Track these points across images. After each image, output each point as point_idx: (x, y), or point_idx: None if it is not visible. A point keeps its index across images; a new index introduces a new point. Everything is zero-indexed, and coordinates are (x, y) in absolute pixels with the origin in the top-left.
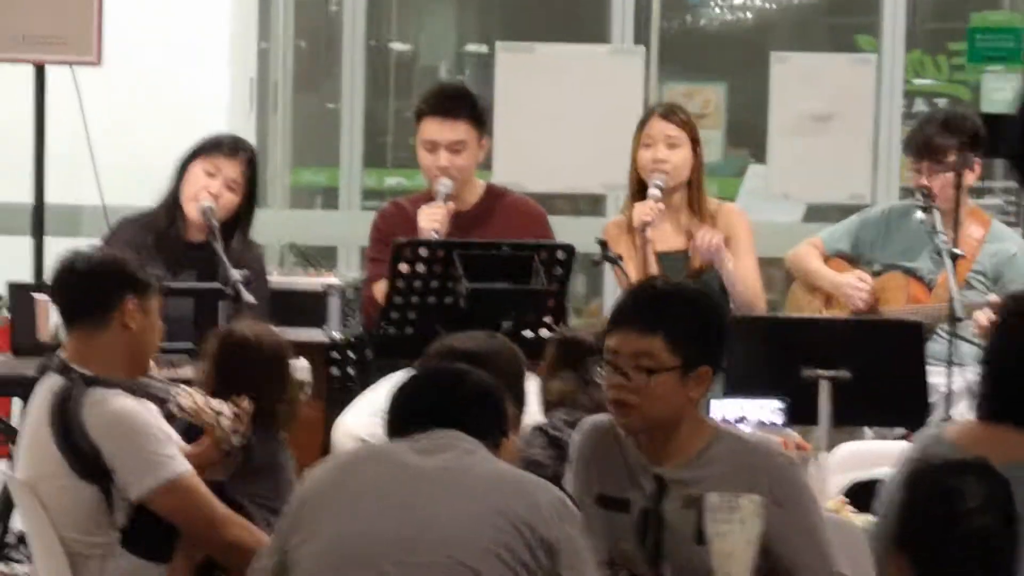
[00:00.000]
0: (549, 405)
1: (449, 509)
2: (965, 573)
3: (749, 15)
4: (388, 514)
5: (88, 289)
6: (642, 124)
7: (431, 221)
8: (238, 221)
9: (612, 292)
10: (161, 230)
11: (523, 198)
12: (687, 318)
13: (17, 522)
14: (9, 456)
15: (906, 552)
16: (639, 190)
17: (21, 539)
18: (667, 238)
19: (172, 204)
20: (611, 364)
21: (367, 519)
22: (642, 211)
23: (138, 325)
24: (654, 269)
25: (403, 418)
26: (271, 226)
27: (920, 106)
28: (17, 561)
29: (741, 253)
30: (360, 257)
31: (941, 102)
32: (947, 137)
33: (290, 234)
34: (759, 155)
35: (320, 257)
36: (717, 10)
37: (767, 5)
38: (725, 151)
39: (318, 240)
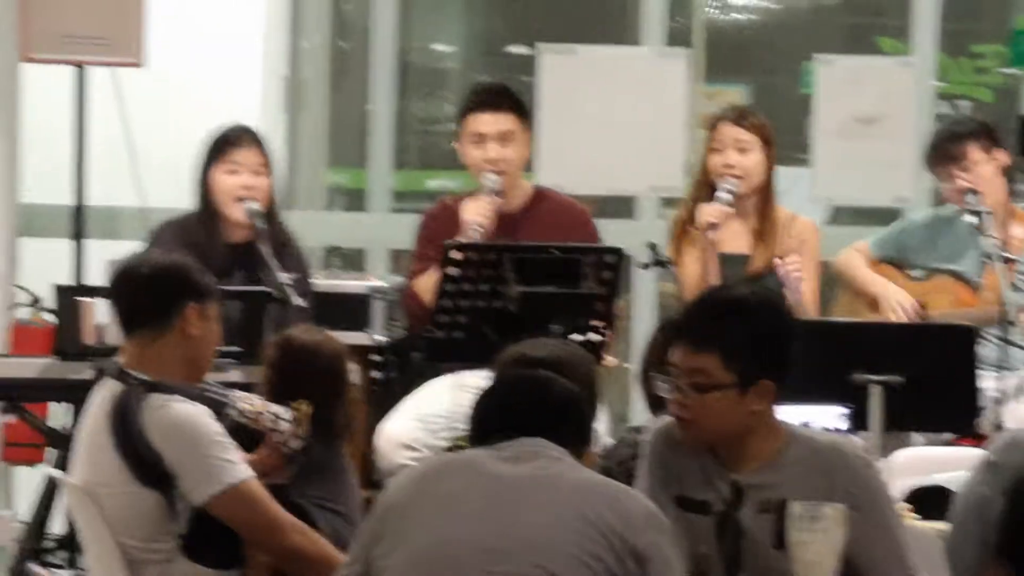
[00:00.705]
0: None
1: (537, 517)
2: None
3: (769, 16)
4: (476, 522)
5: (150, 295)
6: (712, 128)
7: (476, 215)
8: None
9: (643, 292)
10: (201, 239)
11: (569, 200)
12: (744, 333)
13: (56, 526)
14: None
15: (1009, 562)
16: (707, 194)
17: (60, 543)
18: (732, 239)
19: (205, 210)
20: (670, 376)
21: (455, 527)
22: (709, 212)
23: (199, 332)
24: (715, 271)
25: (487, 427)
26: (301, 227)
27: (944, 108)
28: (57, 566)
29: (808, 273)
30: (390, 260)
31: (964, 105)
32: (957, 139)
33: (317, 236)
34: (782, 158)
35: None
36: (735, 13)
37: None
38: None
39: (347, 242)
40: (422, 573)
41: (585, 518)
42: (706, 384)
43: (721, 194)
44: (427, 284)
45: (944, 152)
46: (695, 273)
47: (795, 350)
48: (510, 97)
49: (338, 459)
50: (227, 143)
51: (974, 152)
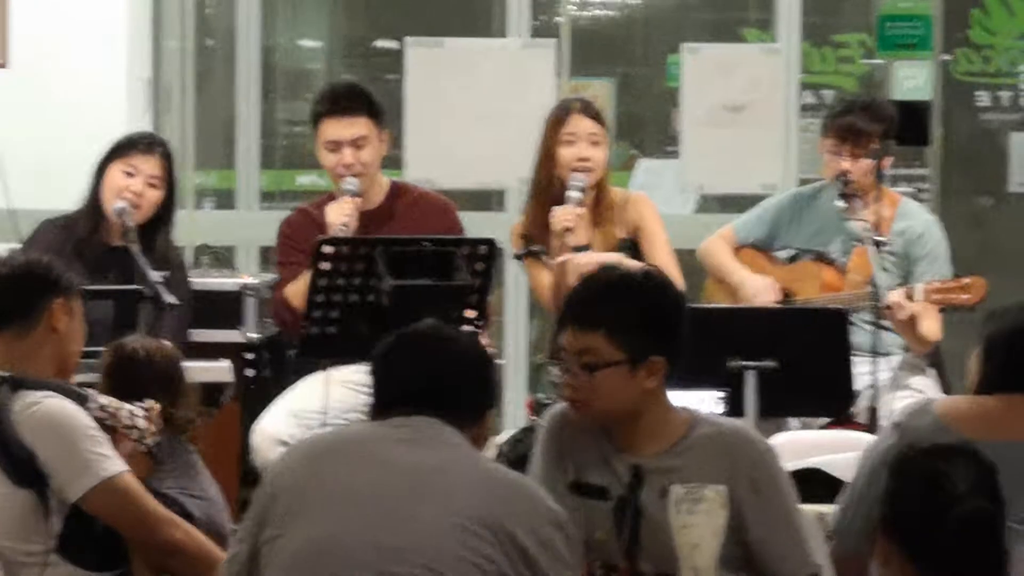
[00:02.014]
0: None
1: (429, 515)
2: (957, 557)
3: (633, 11)
4: (369, 517)
5: (14, 293)
6: (560, 120)
7: (340, 215)
8: (161, 218)
9: (514, 285)
10: (82, 235)
11: (430, 192)
12: (630, 309)
13: None
14: None
15: (895, 537)
16: (551, 187)
17: None
18: (576, 233)
19: (93, 208)
20: (560, 361)
21: (347, 521)
22: (564, 216)
23: (65, 327)
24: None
25: (385, 396)
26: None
27: (808, 98)
28: None
29: (657, 245)
30: (260, 257)
31: (828, 94)
32: (870, 123)
33: (186, 235)
34: (649, 149)
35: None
36: (599, 9)
37: (645, 2)
38: (615, 146)
39: (217, 240)
40: (312, 565)
41: (477, 517)
42: (595, 363)
43: (572, 193)
44: (297, 289)
45: (852, 128)
46: (548, 282)
47: (685, 330)
48: (360, 99)
49: (188, 452)
50: (132, 146)
51: (874, 142)
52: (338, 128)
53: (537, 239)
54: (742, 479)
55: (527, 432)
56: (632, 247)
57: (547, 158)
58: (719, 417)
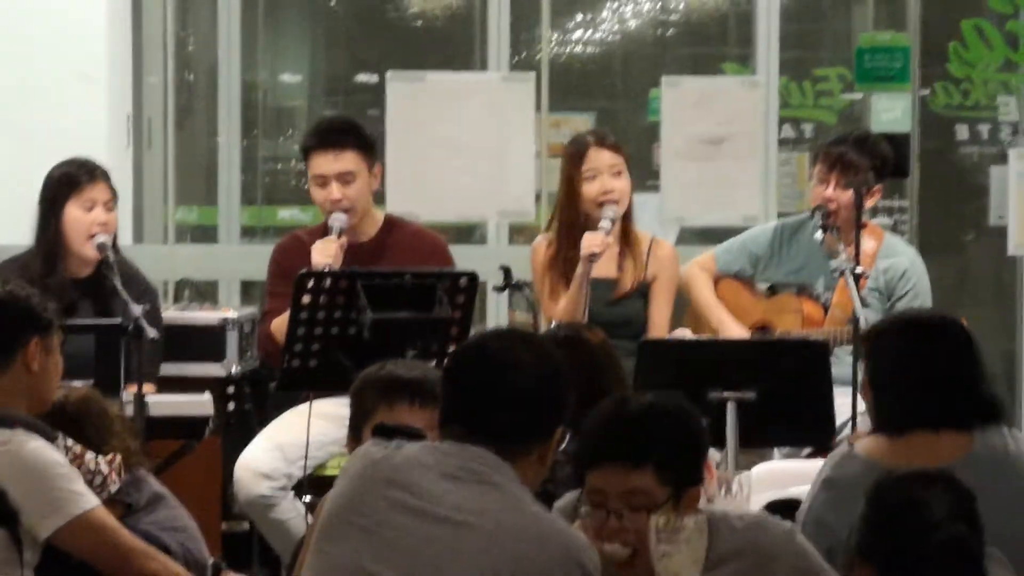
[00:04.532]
0: None
1: (449, 564)
2: None
3: (613, 46)
4: (395, 562)
5: None
6: (579, 156)
7: (324, 256)
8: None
9: (495, 319)
10: (40, 274)
11: (422, 228)
12: (674, 442)
13: None
14: None
15: (874, 564)
16: (576, 223)
17: None
18: (599, 265)
19: (49, 246)
20: (599, 506)
21: (376, 562)
22: (592, 242)
23: (40, 366)
24: (586, 303)
25: (447, 408)
26: (152, 260)
27: (788, 132)
28: None
29: (661, 300)
30: (241, 291)
31: (808, 127)
32: (861, 156)
33: (167, 269)
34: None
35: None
36: (579, 45)
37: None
38: None
39: (198, 275)
40: None
41: (493, 569)
42: (646, 504)
43: (604, 223)
44: (282, 324)
45: (842, 159)
46: (566, 300)
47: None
48: (348, 133)
49: (150, 484)
50: (79, 181)
51: (862, 176)
52: (325, 163)
53: (559, 271)
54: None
55: None
56: (648, 291)
57: (571, 196)
58: (732, 517)
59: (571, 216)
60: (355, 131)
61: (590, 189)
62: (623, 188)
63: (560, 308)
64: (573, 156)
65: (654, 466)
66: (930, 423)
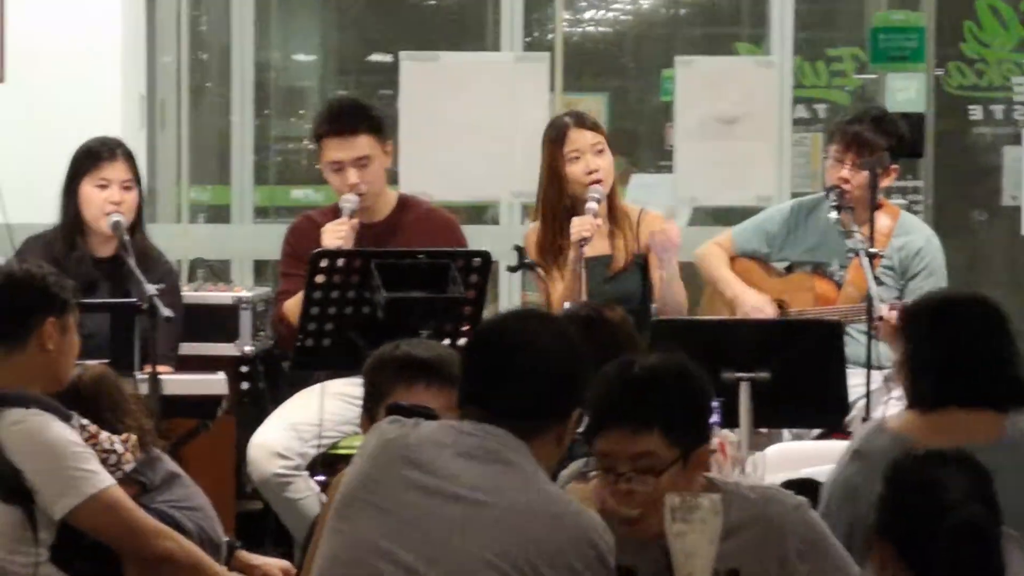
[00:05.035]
0: None
1: (465, 549)
2: (953, 563)
3: (626, 26)
4: (409, 540)
5: (6, 310)
6: (559, 139)
7: (335, 238)
8: (137, 217)
9: (508, 299)
10: (64, 252)
11: (435, 208)
12: (680, 402)
13: None
14: None
15: (891, 543)
16: (561, 205)
17: None
18: (592, 244)
19: (70, 226)
20: (608, 470)
21: (388, 538)
22: (582, 226)
23: (56, 346)
24: (583, 285)
25: (466, 386)
26: (166, 240)
27: (801, 112)
28: None
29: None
30: (254, 271)
31: (822, 108)
32: (877, 135)
33: (181, 249)
34: (643, 164)
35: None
36: (592, 25)
37: (641, 17)
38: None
39: (212, 254)
40: (343, 563)
41: (510, 556)
42: (654, 466)
43: (591, 204)
44: (296, 306)
45: (858, 138)
46: (563, 287)
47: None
48: (360, 116)
49: (165, 463)
50: (98, 158)
51: (877, 154)
52: (340, 149)
53: (552, 256)
54: (793, 549)
55: None
56: (644, 263)
57: (554, 178)
58: (744, 488)
59: (555, 201)
60: (366, 113)
61: (575, 169)
62: (607, 166)
63: (558, 294)
64: (554, 139)
65: (661, 428)
66: (962, 401)
